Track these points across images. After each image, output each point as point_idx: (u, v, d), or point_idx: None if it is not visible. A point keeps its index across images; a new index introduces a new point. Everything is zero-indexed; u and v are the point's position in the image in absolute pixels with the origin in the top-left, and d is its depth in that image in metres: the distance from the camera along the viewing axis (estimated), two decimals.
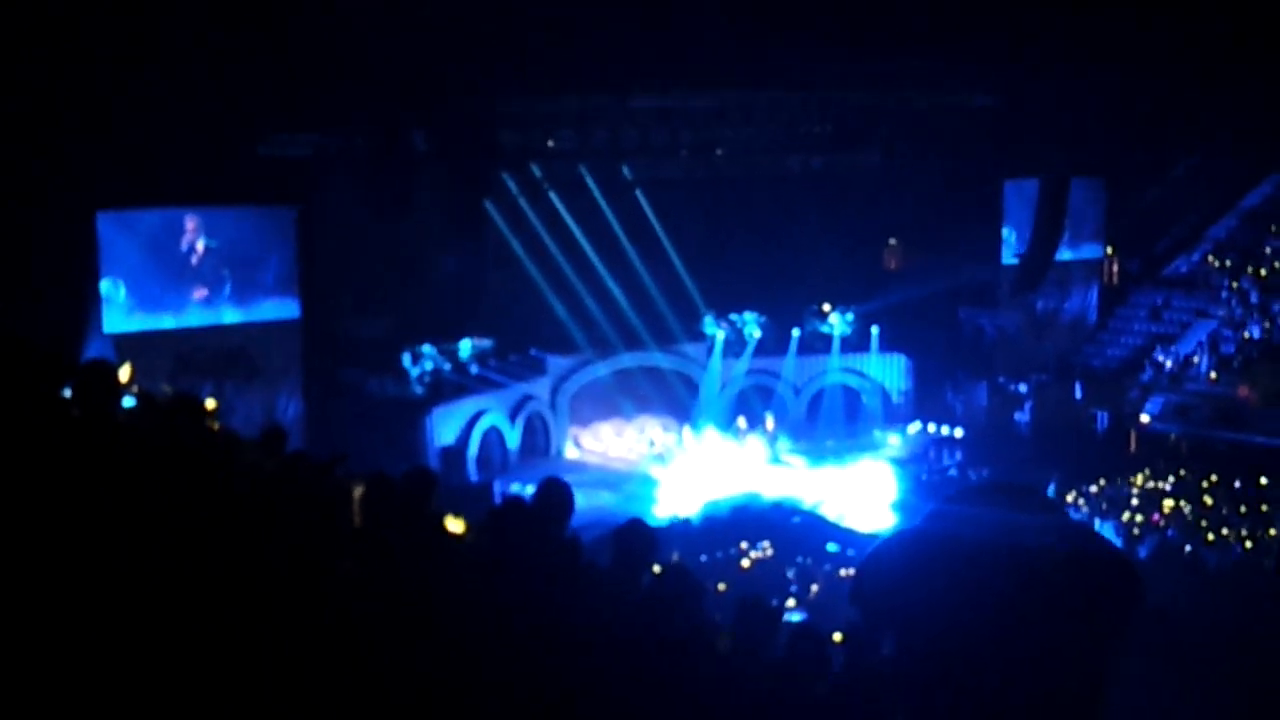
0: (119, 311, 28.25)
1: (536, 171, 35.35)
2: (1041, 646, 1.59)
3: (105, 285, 27.95)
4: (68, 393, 5.81)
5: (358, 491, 6.32)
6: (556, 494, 5.43)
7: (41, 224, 24.56)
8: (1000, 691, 1.60)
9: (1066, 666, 1.62)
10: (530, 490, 6.36)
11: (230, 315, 29.80)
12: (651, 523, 26.80)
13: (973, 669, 1.63)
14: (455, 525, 11.50)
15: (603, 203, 35.76)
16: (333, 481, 6.97)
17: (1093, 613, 1.62)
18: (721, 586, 22.97)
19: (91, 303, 27.49)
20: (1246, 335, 36.12)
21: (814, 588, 23.95)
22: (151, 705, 3.39)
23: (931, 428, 36.36)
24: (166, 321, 29.06)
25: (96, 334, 27.42)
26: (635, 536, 5.77)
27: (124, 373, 25.99)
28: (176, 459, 5.26)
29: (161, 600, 3.82)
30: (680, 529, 28.10)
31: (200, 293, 29.56)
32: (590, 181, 35.75)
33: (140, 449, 5.26)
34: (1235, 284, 37.40)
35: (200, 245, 29.37)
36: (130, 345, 27.93)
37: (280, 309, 30.33)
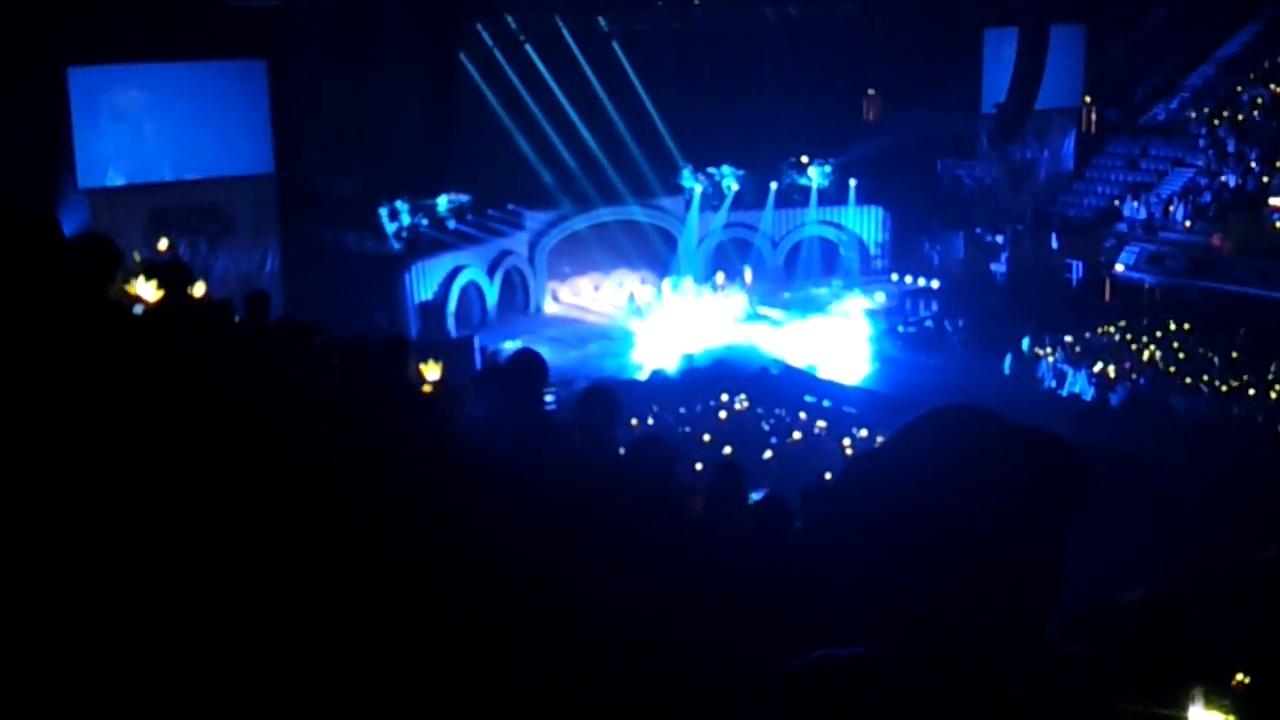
0: (91, 168, 27.95)
1: (511, 23, 34.77)
2: (995, 544, 1.71)
3: (79, 142, 27.63)
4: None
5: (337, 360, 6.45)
6: (530, 363, 5.54)
7: (12, 81, 24.17)
8: (955, 574, 1.72)
9: (1021, 561, 1.74)
10: (511, 345, 6.47)
11: (204, 169, 29.48)
12: (630, 377, 27.05)
13: (925, 557, 1.74)
14: (432, 371, 11.64)
15: (579, 54, 35.27)
16: (312, 350, 7.10)
17: (1046, 509, 1.73)
18: (707, 438, 23.32)
19: (65, 160, 27.19)
20: (1223, 184, 36.13)
21: (795, 435, 24.28)
22: (129, 578, 3.51)
23: (908, 279, 36.56)
24: (139, 177, 28.78)
25: (71, 190, 27.19)
26: (600, 400, 5.90)
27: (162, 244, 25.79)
28: (161, 334, 5.36)
29: (143, 478, 3.94)
30: (659, 382, 28.38)
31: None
32: (565, 33, 35.21)
33: (125, 324, 5.34)
34: (1212, 132, 37.28)
35: (153, 129, 28.89)
36: (104, 201, 27.77)
37: (254, 163, 30.02)
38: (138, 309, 6.63)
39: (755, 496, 7.89)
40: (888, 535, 1.76)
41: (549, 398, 8.72)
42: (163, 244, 27.47)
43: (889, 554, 1.75)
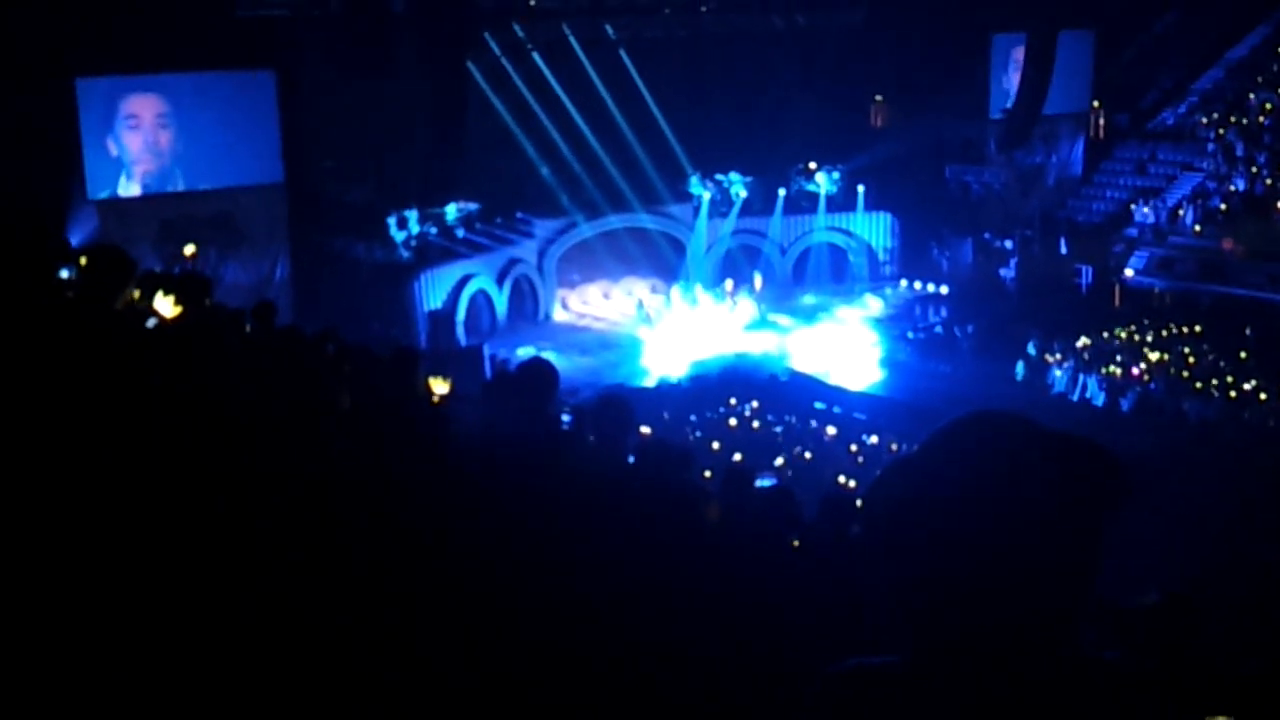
0: (100, 179, 28.04)
1: (519, 31, 34.83)
2: (1032, 542, 1.69)
3: (88, 153, 27.72)
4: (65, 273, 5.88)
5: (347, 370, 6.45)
6: (541, 372, 5.54)
7: (21, 92, 24.26)
8: (987, 572, 1.71)
9: (1059, 566, 1.72)
10: (524, 352, 6.46)
11: (213, 179, 29.52)
12: (640, 384, 27.00)
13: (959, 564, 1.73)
14: (441, 386, 11.62)
15: (586, 63, 35.32)
16: (323, 358, 7.10)
17: (1083, 512, 1.71)
18: (715, 445, 23.32)
19: (74, 171, 27.27)
20: (1231, 188, 36.08)
21: (808, 456, 24.20)
22: (138, 586, 3.52)
23: (917, 285, 36.55)
24: (150, 186, 28.86)
25: (80, 201, 27.25)
26: (613, 408, 5.90)
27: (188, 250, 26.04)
28: (173, 344, 5.37)
29: (152, 487, 3.95)
30: (669, 389, 28.38)
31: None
32: (573, 41, 35.28)
33: (136, 334, 5.36)
34: (1221, 136, 37.24)
35: (164, 139, 28.92)
36: (114, 212, 27.83)
37: (263, 173, 30.08)
38: (151, 321, 6.65)
39: (764, 483, 7.86)
40: (924, 543, 1.74)
41: (566, 417, 8.69)
42: (189, 249, 27.60)
43: (924, 562, 1.74)
